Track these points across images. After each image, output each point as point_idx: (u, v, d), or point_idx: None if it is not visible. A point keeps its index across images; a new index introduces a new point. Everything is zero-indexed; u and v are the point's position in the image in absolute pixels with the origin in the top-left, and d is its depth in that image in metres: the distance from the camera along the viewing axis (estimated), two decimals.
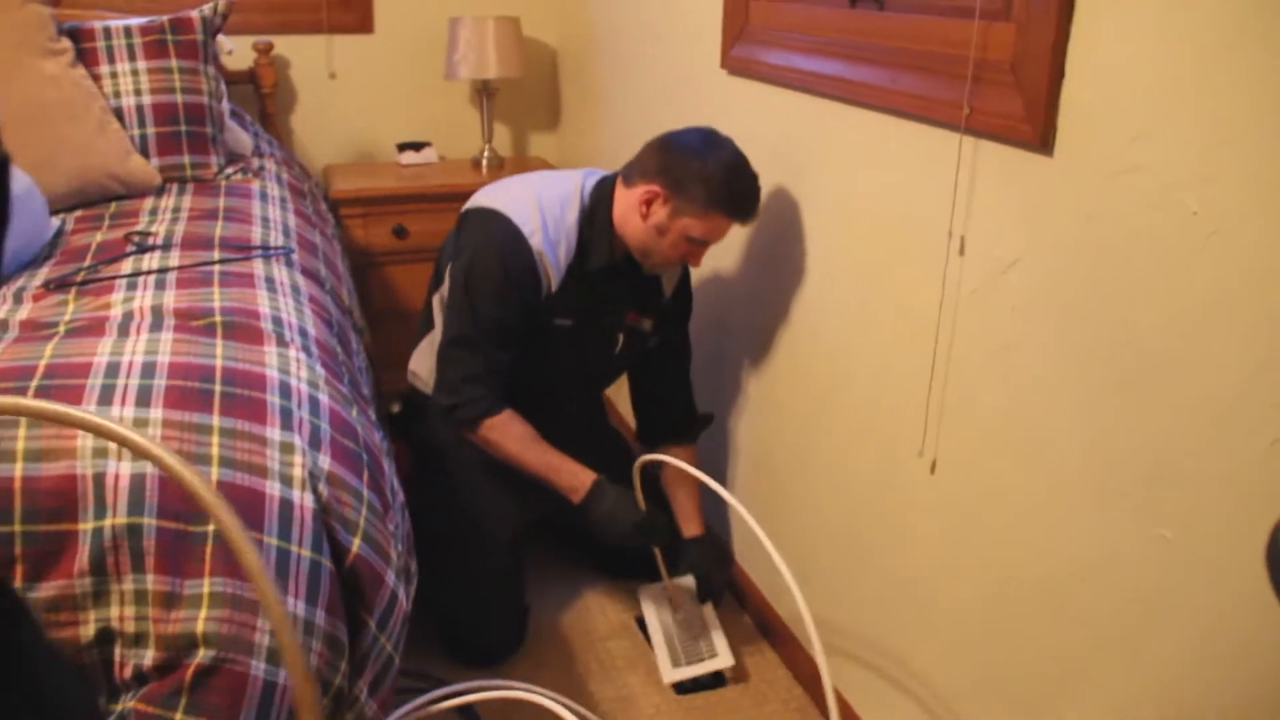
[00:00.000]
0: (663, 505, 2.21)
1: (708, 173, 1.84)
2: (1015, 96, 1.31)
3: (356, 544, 1.29)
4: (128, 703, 1.14)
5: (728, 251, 2.24)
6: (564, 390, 2.19)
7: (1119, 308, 1.20)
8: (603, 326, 2.12)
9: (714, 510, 2.46)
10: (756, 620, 2.28)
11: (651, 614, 2.19)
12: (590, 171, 2.10)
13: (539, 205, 1.98)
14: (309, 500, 1.25)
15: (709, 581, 2.14)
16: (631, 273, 2.06)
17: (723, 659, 2.08)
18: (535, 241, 1.95)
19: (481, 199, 2.05)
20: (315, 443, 1.32)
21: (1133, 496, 1.21)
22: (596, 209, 2.01)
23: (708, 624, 2.15)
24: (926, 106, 1.50)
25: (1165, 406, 1.15)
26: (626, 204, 1.97)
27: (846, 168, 1.76)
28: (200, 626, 1.14)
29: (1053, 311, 1.31)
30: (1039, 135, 1.28)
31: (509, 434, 2.00)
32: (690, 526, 2.20)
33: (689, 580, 2.18)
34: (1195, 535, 1.13)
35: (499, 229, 1.96)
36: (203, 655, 1.13)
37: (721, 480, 2.36)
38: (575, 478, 2.00)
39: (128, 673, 1.15)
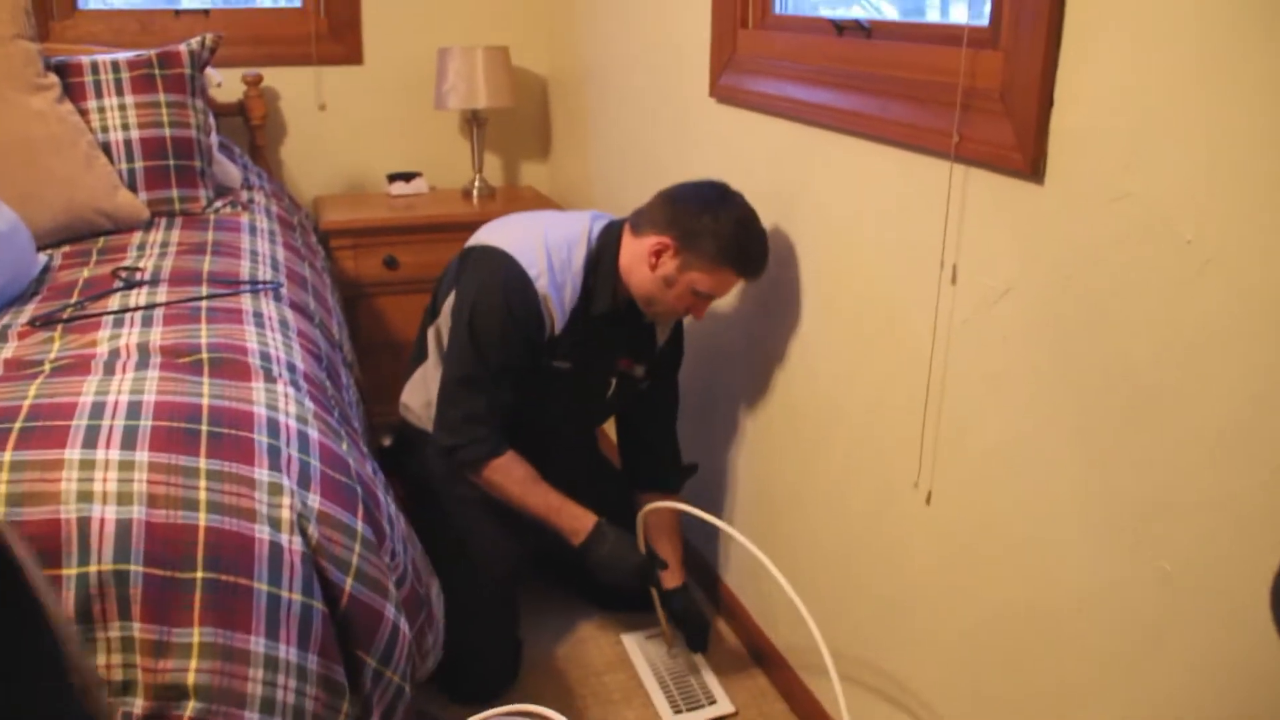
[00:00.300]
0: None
1: (719, 228, 1.85)
2: (1005, 124, 1.31)
3: (350, 583, 1.28)
4: None
5: None
6: (557, 429, 2.18)
7: (1113, 337, 1.19)
8: (597, 370, 2.12)
9: (706, 541, 2.44)
10: (750, 649, 2.26)
11: (640, 660, 2.20)
12: (597, 215, 2.10)
13: (545, 247, 1.97)
14: (298, 544, 1.23)
15: (699, 632, 2.12)
16: (630, 319, 2.06)
17: (722, 705, 2.08)
18: (541, 284, 1.95)
19: (486, 237, 2.03)
20: (305, 481, 1.30)
21: (1131, 527, 1.19)
22: (602, 254, 2.01)
23: (700, 668, 2.16)
24: (916, 135, 1.49)
25: (1163, 437, 1.14)
26: (634, 253, 1.96)
27: (837, 196, 1.75)
28: (191, 678, 1.12)
29: (1046, 341, 1.30)
30: (1029, 163, 1.27)
31: (511, 476, 2.00)
32: (672, 578, 2.18)
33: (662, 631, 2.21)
34: (1194, 567, 1.12)
35: (504, 270, 1.95)
36: (194, 708, 1.12)
37: (718, 510, 2.35)
38: (576, 520, 2.00)
39: None
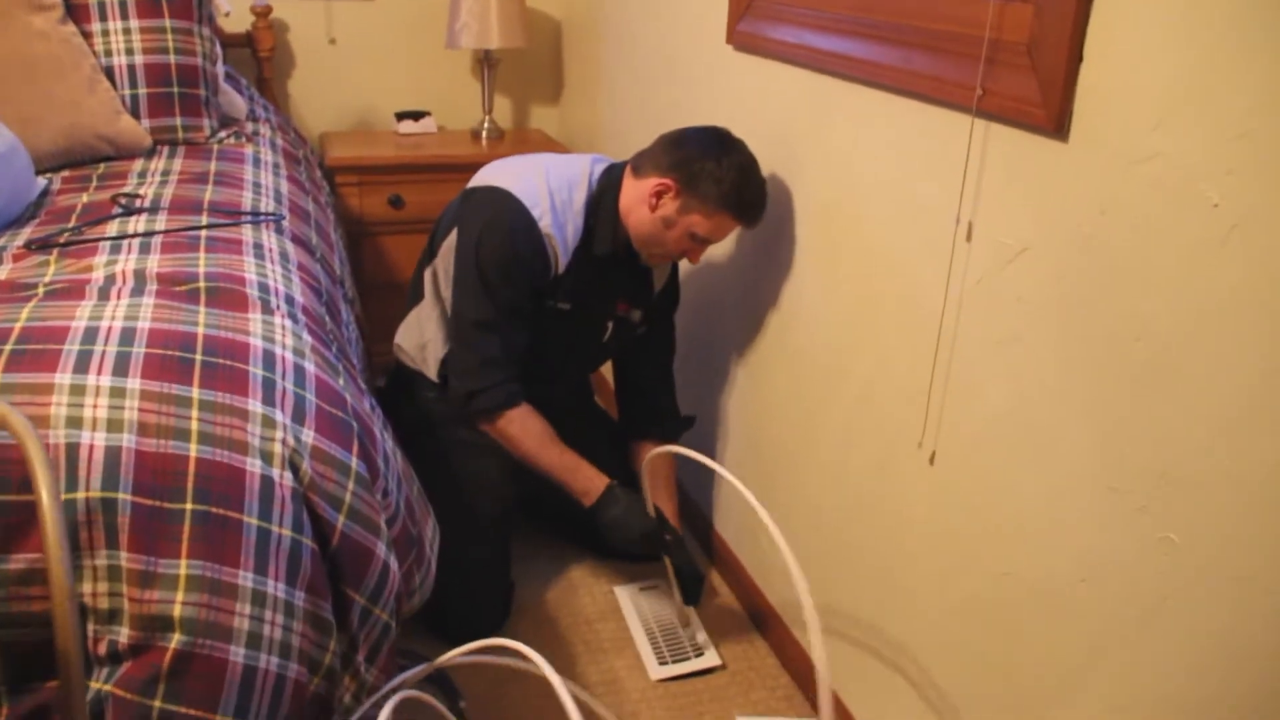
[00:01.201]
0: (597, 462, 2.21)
1: (721, 173, 1.86)
2: (1030, 79, 1.27)
3: (342, 521, 1.26)
4: (104, 685, 1.11)
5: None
6: (553, 373, 2.17)
7: (1130, 300, 1.16)
8: (595, 313, 2.12)
9: (703, 495, 2.43)
10: (746, 606, 2.26)
11: (631, 612, 2.20)
12: (598, 158, 2.09)
13: (548, 187, 1.97)
14: (289, 479, 1.21)
15: (693, 584, 2.11)
16: (628, 263, 2.06)
17: (709, 658, 2.08)
18: (544, 223, 1.95)
19: (488, 177, 2.02)
20: (299, 415, 1.28)
21: (1138, 497, 1.17)
22: (604, 195, 2.01)
23: (691, 622, 2.16)
24: (938, 87, 1.45)
25: (1176, 405, 1.12)
26: (635, 194, 1.96)
27: (851, 148, 1.72)
28: (177, 610, 1.10)
29: (1061, 303, 1.27)
30: (1054, 120, 1.24)
31: (528, 430, 2.00)
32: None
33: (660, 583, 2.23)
34: (1202, 539, 1.10)
35: (508, 209, 1.94)
36: (179, 641, 1.10)
37: (711, 455, 2.32)
38: (589, 481, 2.02)
39: (102, 649, 1.12)
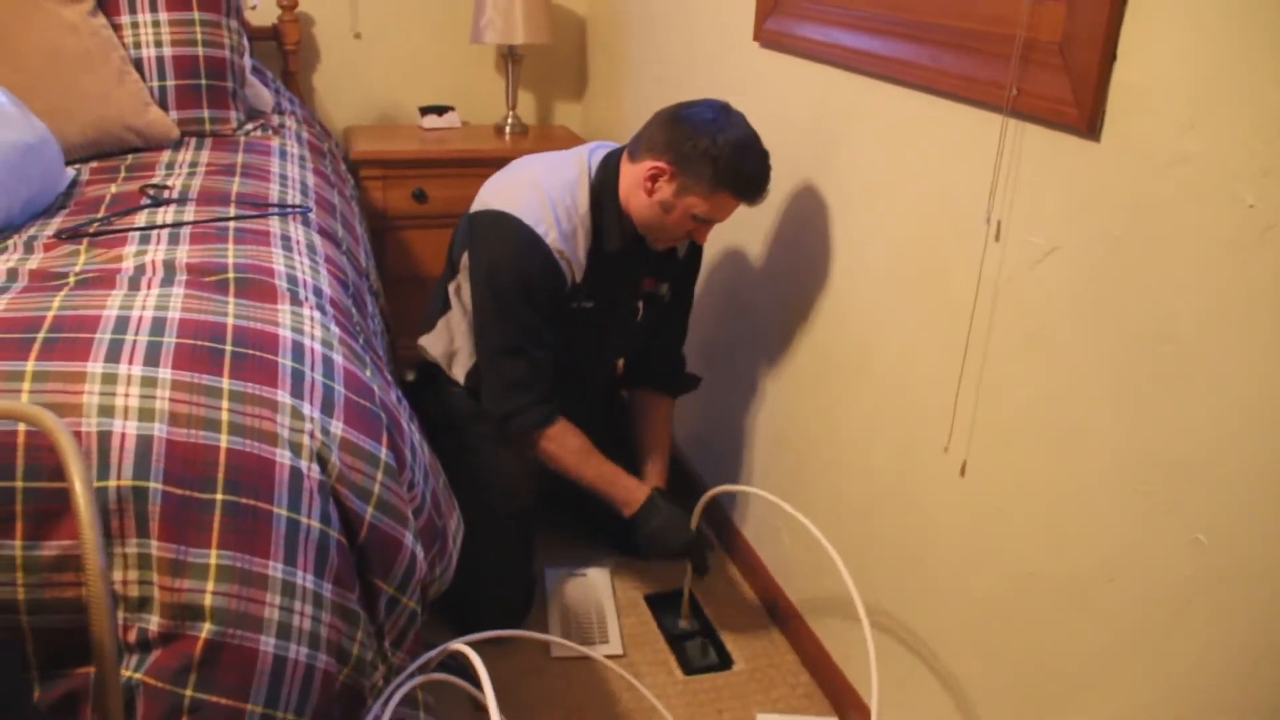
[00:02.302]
0: (627, 452, 2.22)
1: (715, 150, 1.80)
2: (1063, 78, 1.26)
3: (370, 512, 1.27)
4: (135, 673, 1.11)
5: (752, 229, 2.19)
6: (588, 367, 2.17)
7: (1160, 301, 1.16)
8: (624, 300, 2.10)
9: (726, 494, 2.43)
10: (766, 604, 2.25)
11: (557, 592, 2.25)
12: (596, 146, 2.05)
13: (548, 199, 1.93)
14: (317, 471, 1.22)
15: (701, 553, 2.11)
16: (646, 244, 2.03)
17: (611, 648, 2.10)
18: (552, 240, 1.92)
19: (489, 198, 1.99)
20: (328, 407, 1.29)
21: (1167, 496, 1.17)
22: (604, 188, 1.97)
23: (605, 612, 2.20)
24: (969, 87, 1.45)
25: (1206, 405, 1.11)
26: (632, 179, 1.93)
27: (881, 147, 1.71)
28: (207, 600, 1.11)
29: (1091, 302, 1.26)
30: (1086, 120, 1.23)
31: (566, 446, 2.01)
32: (656, 478, 2.20)
33: (601, 572, 2.32)
34: (1231, 539, 1.09)
35: (514, 234, 1.91)
36: (210, 630, 1.10)
37: (737, 459, 2.33)
38: (629, 492, 2.03)
39: (132, 637, 1.12)
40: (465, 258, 2.02)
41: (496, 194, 1.99)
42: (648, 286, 2.12)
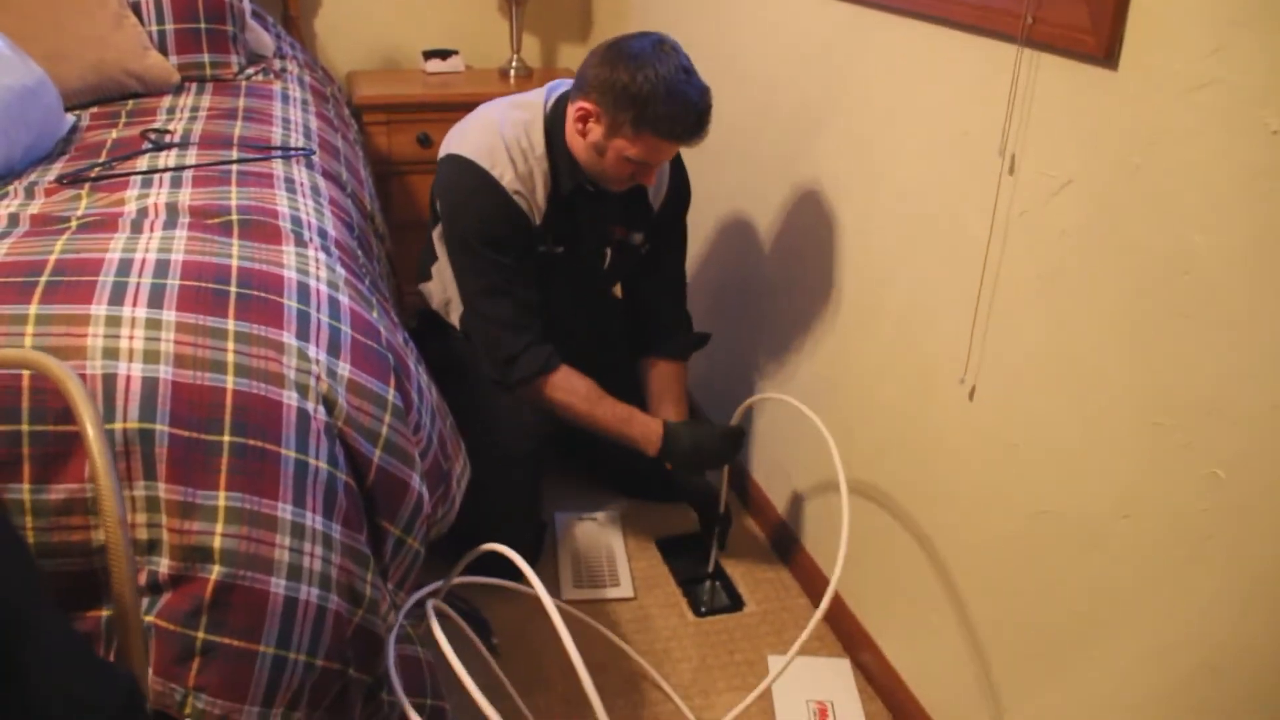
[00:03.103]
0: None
1: (636, 89, 1.72)
2: (1080, 6, 1.23)
3: (378, 455, 1.26)
4: (146, 616, 1.11)
5: (760, 166, 2.17)
6: (562, 314, 2.12)
7: (1177, 231, 1.14)
8: (591, 246, 2.06)
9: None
10: (778, 549, 2.25)
11: (566, 536, 2.25)
12: (555, 85, 1.99)
13: (503, 141, 1.88)
14: (323, 413, 1.21)
15: (709, 506, 2.12)
16: (608, 189, 1.96)
17: (623, 589, 2.11)
18: (507, 180, 1.88)
19: (450, 144, 1.96)
20: (335, 349, 1.27)
21: (1184, 431, 1.15)
22: (555, 128, 1.91)
23: (616, 555, 2.20)
24: (983, 16, 1.42)
25: (1223, 338, 1.09)
26: (569, 120, 1.87)
27: (890, 81, 1.68)
28: (217, 542, 1.10)
29: (1107, 235, 1.24)
30: (1103, 47, 1.20)
31: (575, 392, 1.95)
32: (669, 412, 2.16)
33: (611, 515, 2.32)
34: (1249, 474, 1.08)
35: (467, 176, 1.88)
36: (220, 572, 1.10)
37: (748, 391, 2.31)
38: (645, 427, 1.98)
39: (142, 579, 1.12)
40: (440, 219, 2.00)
41: (455, 140, 1.95)
42: (617, 235, 2.07)
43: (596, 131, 1.81)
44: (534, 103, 1.95)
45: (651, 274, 2.19)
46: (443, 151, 1.97)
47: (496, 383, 1.98)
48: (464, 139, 1.93)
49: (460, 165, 1.89)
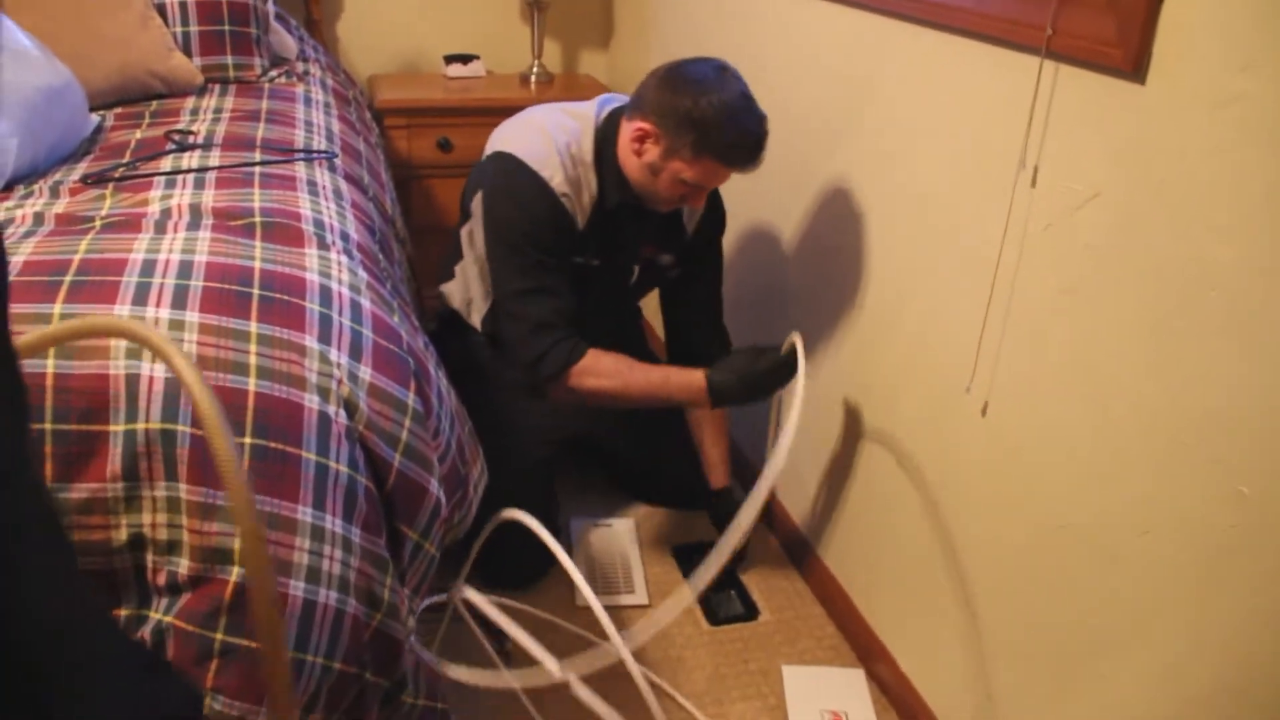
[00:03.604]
0: (691, 454, 2.20)
1: (699, 114, 1.72)
2: (1107, 17, 1.23)
3: (398, 459, 1.26)
4: (164, 616, 1.11)
5: (780, 175, 2.16)
6: (588, 325, 2.11)
7: (1204, 246, 1.13)
8: (622, 262, 2.06)
9: (752, 444, 2.42)
10: (793, 557, 2.25)
11: (582, 542, 2.25)
12: (607, 99, 1.99)
13: (555, 145, 1.89)
14: (344, 417, 1.21)
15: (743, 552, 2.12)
16: (649, 209, 1.96)
17: (638, 597, 2.11)
18: (557, 183, 1.88)
19: (498, 142, 1.96)
20: (356, 352, 1.27)
21: (1208, 448, 1.14)
22: (606, 142, 1.92)
23: (631, 562, 2.21)
24: (1006, 28, 1.41)
25: (1250, 354, 1.08)
26: (625, 139, 1.87)
27: (910, 91, 1.68)
28: (237, 544, 1.10)
29: (1132, 250, 1.23)
30: (1131, 61, 1.20)
31: (603, 371, 1.89)
32: (717, 477, 2.17)
33: (626, 522, 2.30)
34: (1276, 490, 1.07)
35: (520, 176, 1.88)
36: (239, 574, 1.10)
37: (764, 411, 2.30)
38: (687, 383, 1.88)
39: (161, 580, 1.12)
40: (475, 202, 1.98)
41: (504, 139, 1.95)
42: (647, 253, 2.07)
43: (653, 152, 1.81)
44: (586, 114, 1.95)
45: (688, 298, 2.18)
46: (490, 149, 1.97)
47: (524, 385, 1.96)
48: (514, 138, 1.93)
49: (510, 163, 1.89)
